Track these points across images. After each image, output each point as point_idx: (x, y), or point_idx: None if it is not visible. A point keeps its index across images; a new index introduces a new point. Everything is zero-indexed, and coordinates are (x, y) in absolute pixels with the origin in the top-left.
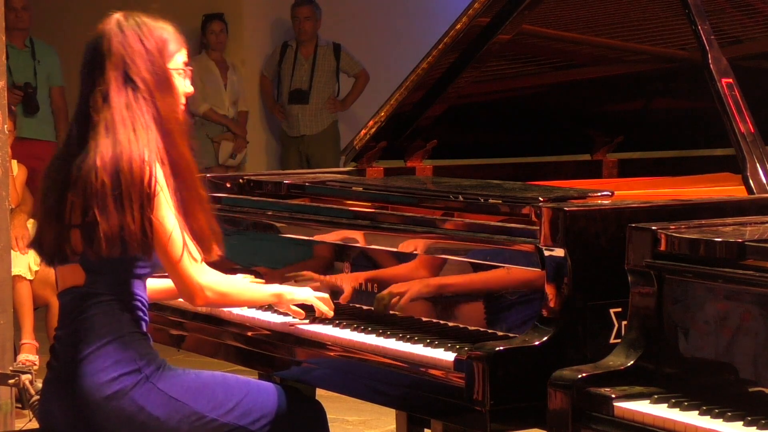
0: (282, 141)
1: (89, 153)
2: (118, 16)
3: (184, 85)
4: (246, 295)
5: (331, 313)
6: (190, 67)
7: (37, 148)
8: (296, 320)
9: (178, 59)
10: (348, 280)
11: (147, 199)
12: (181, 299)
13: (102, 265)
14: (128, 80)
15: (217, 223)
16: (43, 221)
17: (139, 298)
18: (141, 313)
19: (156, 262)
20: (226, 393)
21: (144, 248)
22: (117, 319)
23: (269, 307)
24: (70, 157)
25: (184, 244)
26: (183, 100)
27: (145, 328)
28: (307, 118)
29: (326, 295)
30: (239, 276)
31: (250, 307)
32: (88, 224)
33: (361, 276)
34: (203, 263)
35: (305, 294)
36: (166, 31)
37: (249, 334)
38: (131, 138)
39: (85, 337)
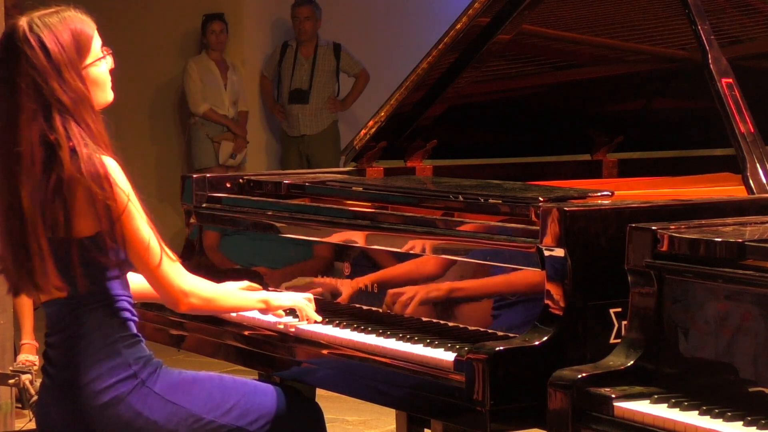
0: (282, 141)
1: (19, 185)
2: (23, 23)
3: (107, 68)
4: (231, 300)
5: (317, 318)
6: (107, 48)
7: None
8: (296, 320)
9: (93, 50)
10: (348, 281)
11: (113, 214)
12: None
13: (80, 274)
14: (44, 102)
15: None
16: (6, 251)
17: (123, 297)
18: (128, 314)
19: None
20: (223, 394)
21: (119, 263)
22: (107, 325)
23: None
24: (14, 187)
25: (162, 250)
26: (109, 84)
27: (135, 329)
28: (307, 118)
29: (310, 296)
30: (226, 284)
31: (236, 312)
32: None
33: (361, 276)
34: (182, 268)
35: (291, 299)
36: (74, 24)
37: (249, 334)
38: (82, 155)
39: (77, 346)
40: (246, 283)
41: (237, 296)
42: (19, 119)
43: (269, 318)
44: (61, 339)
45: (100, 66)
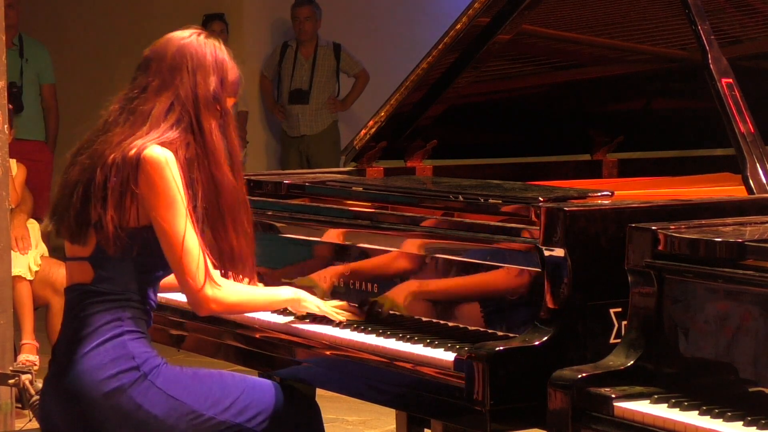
0: (282, 141)
1: (115, 143)
2: (198, 30)
3: (218, 125)
4: (259, 304)
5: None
6: (231, 114)
7: (22, 147)
8: (296, 321)
9: (228, 102)
10: (348, 280)
11: (149, 196)
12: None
13: (112, 266)
14: (172, 82)
15: (252, 252)
16: (63, 197)
17: (142, 300)
18: (144, 315)
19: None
20: (222, 391)
21: (147, 248)
22: (118, 317)
23: None
24: (98, 141)
25: (188, 252)
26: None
27: (145, 327)
28: (307, 118)
29: (343, 303)
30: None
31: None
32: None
33: (361, 276)
34: (215, 272)
35: (318, 305)
36: (234, 71)
37: (249, 334)
38: (156, 136)
39: (85, 333)
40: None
41: (265, 299)
42: (151, 85)
43: (270, 318)
44: (72, 328)
45: (226, 109)
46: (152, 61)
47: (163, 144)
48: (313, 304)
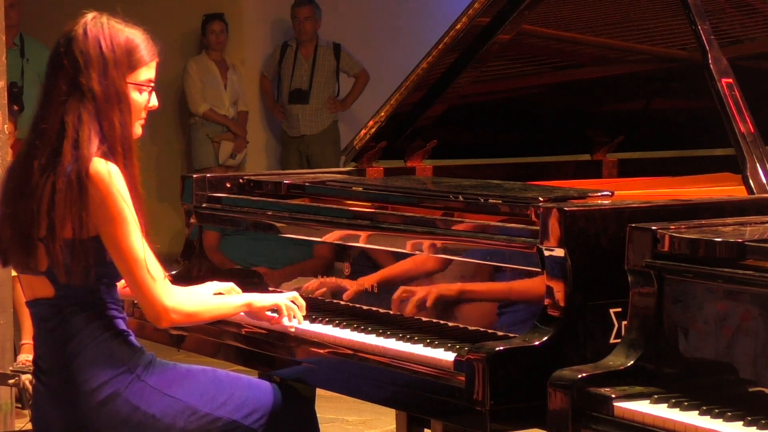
0: (282, 141)
1: (33, 159)
2: (88, 16)
3: (145, 100)
4: (215, 311)
5: (300, 318)
6: (150, 84)
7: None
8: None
9: (142, 74)
10: (348, 281)
11: (96, 213)
12: None
13: (66, 272)
14: (76, 88)
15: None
16: (4, 229)
17: (111, 301)
18: (116, 312)
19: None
20: (217, 387)
21: (104, 271)
22: (94, 325)
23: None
24: (30, 163)
25: (143, 266)
26: (143, 115)
27: (124, 326)
28: (307, 118)
29: (295, 294)
30: (208, 284)
31: (221, 319)
32: (48, 239)
33: (361, 276)
34: (167, 281)
35: (274, 298)
36: (136, 39)
37: (249, 334)
38: (83, 150)
39: (67, 347)
40: (229, 285)
41: (219, 305)
42: (52, 97)
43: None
44: (50, 342)
45: (140, 93)
46: (53, 69)
47: (103, 154)
48: (268, 300)
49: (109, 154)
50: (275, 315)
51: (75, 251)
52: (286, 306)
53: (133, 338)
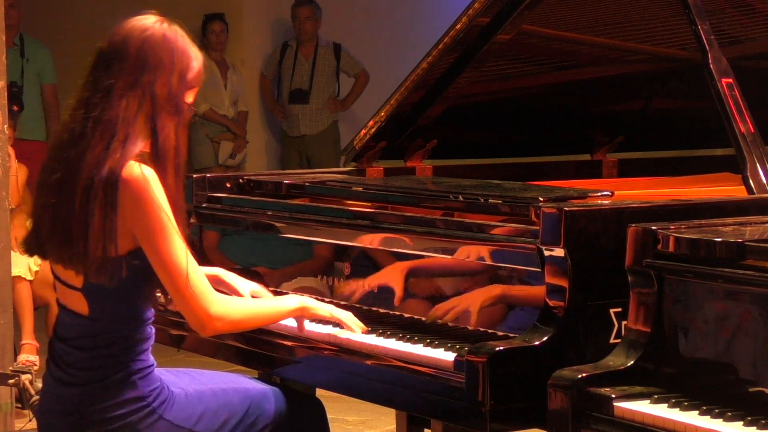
0: (282, 141)
1: (86, 150)
2: (157, 19)
3: (180, 112)
4: (263, 318)
5: (361, 329)
6: (194, 108)
7: (24, 147)
8: (336, 330)
9: (190, 95)
10: (347, 281)
11: (135, 223)
12: None
13: (106, 296)
14: (137, 85)
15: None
16: (43, 220)
17: (149, 317)
18: (148, 334)
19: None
20: (230, 411)
21: (143, 279)
22: (125, 355)
23: None
24: (82, 154)
25: (186, 275)
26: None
27: (152, 358)
28: (307, 118)
29: (349, 314)
30: (237, 282)
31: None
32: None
33: (361, 276)
34: (210, 289)
35: (329, 310)
36: (198, 59)
37: (249, 334)
38: (119, 150)
39: (95, 371)
40: (258, 287)
41: (268, 312)
42: (114, 89)
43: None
44: (78, 358)
45: (183, 107)
46: (113, 60)
47: (140, 158)
48: (324, 309)
49: (151, 160)
50: (330, 329)
51: (115, 264)
52: (347, 320)
53: (155, 369)
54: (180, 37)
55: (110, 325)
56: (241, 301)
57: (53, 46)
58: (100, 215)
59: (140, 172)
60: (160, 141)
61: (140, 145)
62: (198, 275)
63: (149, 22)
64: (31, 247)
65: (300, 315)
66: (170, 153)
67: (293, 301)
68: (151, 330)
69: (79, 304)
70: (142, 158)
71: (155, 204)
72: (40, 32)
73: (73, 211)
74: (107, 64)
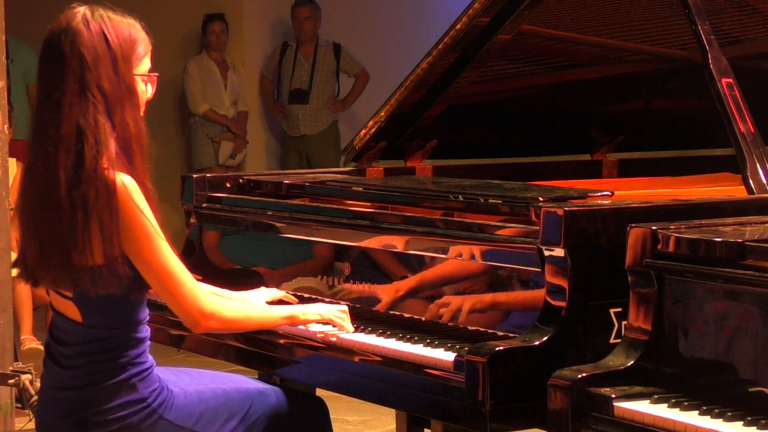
0: (282, 141)
1: (56, 169)
2: (81, 10)
3: (145, 91)
4: (254, 320)
5: (351, 328)
6: (156, 74)
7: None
8: (334, 329)
9: (144, 65)
10: (348, 281)
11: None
12: None
13: (98, 302)
14: (85, 87)
15: None
16: (29, 247)
17: (144, 317)
18: (145, 335)
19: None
20: (230, 410)
21: (134, 285)
22: (123, 359)
23: None
24: (54, 174)
25: (176, 278)
26: (143, 108)
27: (150, 360)
28: (307, 118)
29: (344, 307)
30: (258, 291)
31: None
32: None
33: (361, 276)
34: (201, 289)
35: (319, 310)
36: (134, 30)
37: (249, 334)
38: (96, 156)
39: (92, 375)
40: (279, 293)
41: (260, 316)
42: (62, 99)
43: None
44: (76, 363)
45: (144, 85)
46: (52, 67)
47: (119, 166)
48: (313, 313)
49: (122, 155)
50: (323, 327)
51: (105, 275)
52: (336, 317)
53: (154, 369)
54: (107, 20)
55: (105, 330)
56: (232, 302)
57: (38, 46)
58: (96, 225)
59: (120, 181)
60: (122, 134)
61: (112, 144)
62: (187, 276)
63: (74, 19)
64: (23, 276)
65: (290, 323)
66: (134, 143)
67: (283, 309)
68: (148, 329)
69: (72, 311)
70: (119, 156)
71: (137, 213)
72: (24, 32)
73: (60, 230)
74: (49, 73)
